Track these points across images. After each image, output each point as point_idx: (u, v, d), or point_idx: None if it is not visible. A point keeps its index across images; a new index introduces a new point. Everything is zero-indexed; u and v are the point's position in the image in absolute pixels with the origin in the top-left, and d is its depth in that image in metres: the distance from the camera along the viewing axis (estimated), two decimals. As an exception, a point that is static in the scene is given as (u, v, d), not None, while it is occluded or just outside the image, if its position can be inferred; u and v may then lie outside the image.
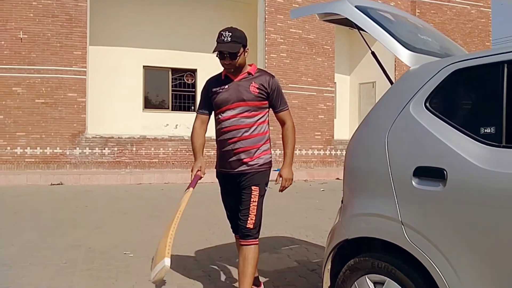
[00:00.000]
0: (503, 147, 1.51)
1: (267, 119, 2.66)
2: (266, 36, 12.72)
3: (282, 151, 2.73)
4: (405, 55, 1.89)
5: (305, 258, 3.76)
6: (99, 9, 12.04)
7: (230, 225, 2.91)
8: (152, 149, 11.60)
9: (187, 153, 11.63)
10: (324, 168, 13.33)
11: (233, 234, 2.93)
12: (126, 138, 11.38)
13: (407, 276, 1.69)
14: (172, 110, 13.72)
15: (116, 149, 11.22)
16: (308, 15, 2.49)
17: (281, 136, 2.72)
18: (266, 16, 12.66)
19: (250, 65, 2.67)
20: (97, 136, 11.19)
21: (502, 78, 1.55)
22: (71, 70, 10.88)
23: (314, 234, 4.73)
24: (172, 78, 13.75)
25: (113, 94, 12.42)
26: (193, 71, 13.83)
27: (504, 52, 1.59)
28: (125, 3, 12.88)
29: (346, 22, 2.21)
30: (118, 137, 11.32)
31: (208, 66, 13.51)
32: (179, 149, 11.75)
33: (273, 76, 2.66)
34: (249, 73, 2.62)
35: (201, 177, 2.70)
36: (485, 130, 1.57)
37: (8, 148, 10.52)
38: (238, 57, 2.53)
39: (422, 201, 1.66)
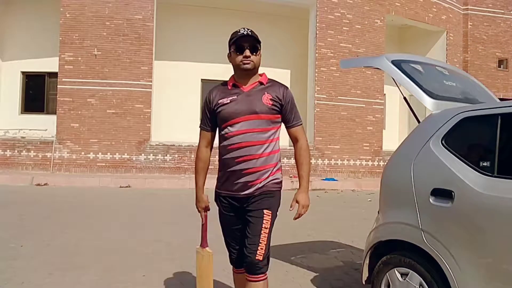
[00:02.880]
0: (495, 176, 2.08)
1: (279, 136, 2.38)
2: (317, 51, 13.32)
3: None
4: (428, 103, 2.49)
5: (350, 260, 4.35)
6: (164, 27, 13.18)
7: (229, 255, 2.54)
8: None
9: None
10: (372, 179, 13.67)
11: (232, 266, 2.59)
12: (186, 146, 12.36)
13: (425, 269, 2.29)
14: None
15: (176, 155, 12.22)
16: (355, 67, 3.09)
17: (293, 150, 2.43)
18: (317, 32, 13.25)
19: (260, 75, 2.37)
20: (160, 144, 12.26)
21: (496, 126, 2.13)
22: (138, 83, 12.03)
23: (359, 240, 5.27)
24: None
25: (174, 105, 13.52)
26: (247, 83, 14.67)
27: (500, 107, 2.16)
28: (186, 21, 13.99)
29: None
30: (179, 145, 12.32)
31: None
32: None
33: (287, 87, 2.36)
34: (260, 83, 2.33)
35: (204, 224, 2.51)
36: (483, 163, 2.15)
37: (83, 153, 11.80)
38: (257, 53, 2.30)
39: (436, 213, 2.26)
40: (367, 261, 2.66)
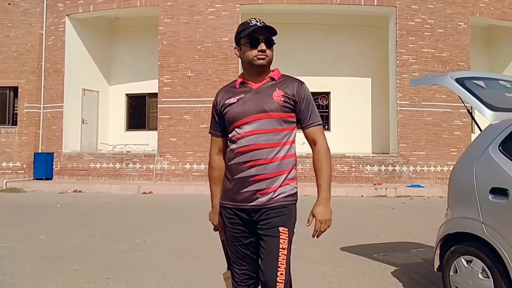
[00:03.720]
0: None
1: (295, 138, 2.09)
2: (398, 58, 13.39)
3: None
4: (488, 114, 2.89)
5: (429, 257, 4.68)
6: (248, 46, 14.18)
7: (232, 278, 2.18)
8: (293, 165, 13.15)
9: (324, 169, 12.90)
10: (461, 184, 13.31)
11: None
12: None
13: (486, 256, 2.70)
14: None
15: (263, 165, 13.05)
16: (424, 85, 3.52)
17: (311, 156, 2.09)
18: (398, 39, 13.34)
19: (273, 71, 2.15)
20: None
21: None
22: (227, 99, 13.11)
23: (441, 242, 5.56)
24: (309, 101, 15.27)
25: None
26: (327, 93, 15.16)
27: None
28: (268, 38, 14.89)
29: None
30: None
31: (341, 89, 14.78)
32: (316, 165, 13.09)
33: (302, 82, 2.09)
34: (271, 78, 2.08)
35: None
36: (534, 165, 2.52)
37: (180, 164, 13.12)
38: (272, 47, 2.08)
39: (495, 208, 2.66)
40: (438, 252, 3.10)
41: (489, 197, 2.67)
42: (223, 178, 2.13)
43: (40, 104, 14.89)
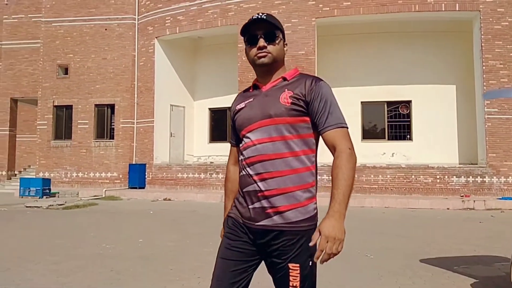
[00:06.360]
0: None
1: (314, 147, 1.76)
2: (484, 63, 12.72)
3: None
4: None
5: (515, 272, 4.54)
6: (324, 57, 14.40)
7: None
8: (372, 176, 13.02)
9: (404, 180, 12.62)
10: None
11: None
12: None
13: None
14: (388, 139, 14.95)
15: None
16: (498, 98, 3.51)
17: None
18: (483, 44, 12.70)
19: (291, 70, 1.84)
20: (325, 165, 13.28)
21: None
22: (304, 111, 13.39)
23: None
24: (388, 110, 15.03)
25: (337, 128, 14.49)
26: (408, 102, 14.79)
27: None
28: (343, 49, 14.99)
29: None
30: (342, 166, 13.15)
31: (423, 97, 14.37)
32: (396, 176, 12.82)
33: (318, 79, 1.73)
34: (283, 78, 1.77)
35: None
36: None
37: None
38: (276, 41, 1.74)
39: None
40: (514, 263, 3.10)
41: None
42: (237, 191, 1.85)
43: (134, 120, 16.37)
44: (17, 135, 19.88)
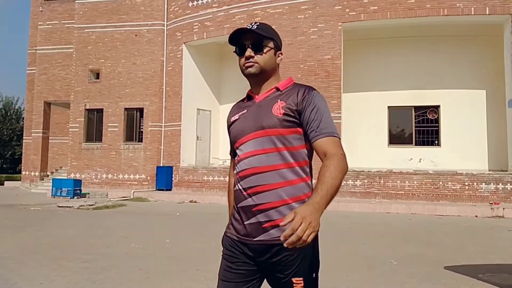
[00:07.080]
0: None
1: (308, 159, 1.70)
2: (515, 68, 12.46)
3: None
4: None
5: (543, 282, 4.48)
6: (350, 61, 14.38)
7: None
8: (398, 181, 12.89)
9: (432, 187, 12.43)
10: None
11: None
12: (375, 172, 13.05)
13: None
14: (415, 145, 14.76)
15: (366, 181, 13.02)
16: None
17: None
18: (515, 48, 12.44)
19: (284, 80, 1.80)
20: (350, 170, 13.25)
21: None
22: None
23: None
24: (415, 115, 14.85)
25: (362, 133, 14.45)
26: (436, 107, 14.58)
27: None
28: (370, 53, 14.92)
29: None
30: (368, 171, 13.11)
31: (451, 102, 14.15)
32: (423, 182, 12.64)
33: (311, 89, 1.71)
34: (277, 89, 1.74)
35: None
36: None
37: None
38: (264, 51, 1.71)
39: None
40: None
41: None
42: None
43: (162, 123, 16.74)
44: (49, 137, 20.61)
